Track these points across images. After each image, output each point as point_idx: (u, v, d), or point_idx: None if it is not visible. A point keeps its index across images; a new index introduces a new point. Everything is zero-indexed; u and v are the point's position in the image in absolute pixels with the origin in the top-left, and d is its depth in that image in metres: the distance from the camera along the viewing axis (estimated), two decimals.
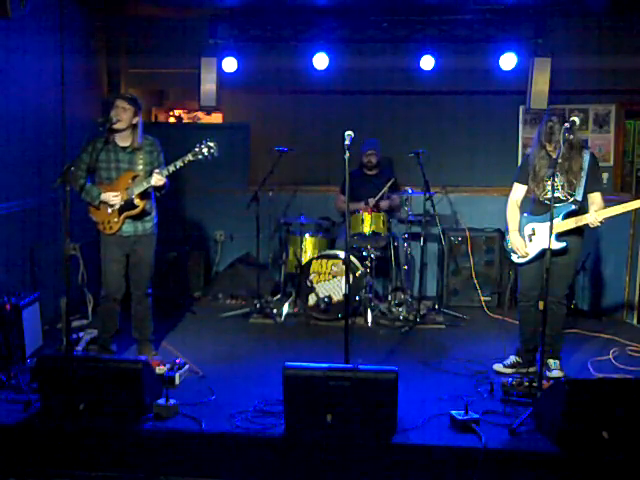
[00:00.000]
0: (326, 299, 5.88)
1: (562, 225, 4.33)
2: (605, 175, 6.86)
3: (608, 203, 4.37)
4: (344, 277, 4.44)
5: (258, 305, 6.14)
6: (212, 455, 3.55)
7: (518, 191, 4.59)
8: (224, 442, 3.55)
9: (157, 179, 4.39)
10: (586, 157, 4.36)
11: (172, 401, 3.77)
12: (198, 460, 3.55)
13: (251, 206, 6.13)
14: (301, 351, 5.15)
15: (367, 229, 6.01)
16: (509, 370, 4.61)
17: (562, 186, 4.36)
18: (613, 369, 4.71)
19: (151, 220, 4.66)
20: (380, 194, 6.14)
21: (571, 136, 4.05)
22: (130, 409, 3.68)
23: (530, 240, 4.50)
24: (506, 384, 4.05)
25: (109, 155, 4.51)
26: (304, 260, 6.13)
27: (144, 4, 6.75)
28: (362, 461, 3.47)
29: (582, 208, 4.38)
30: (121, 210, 4.50)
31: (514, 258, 4.60)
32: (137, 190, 4.45)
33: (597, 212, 4.27)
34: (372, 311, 5.92)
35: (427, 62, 6.64)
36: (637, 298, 6.04)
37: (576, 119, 3.97)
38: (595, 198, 4.38)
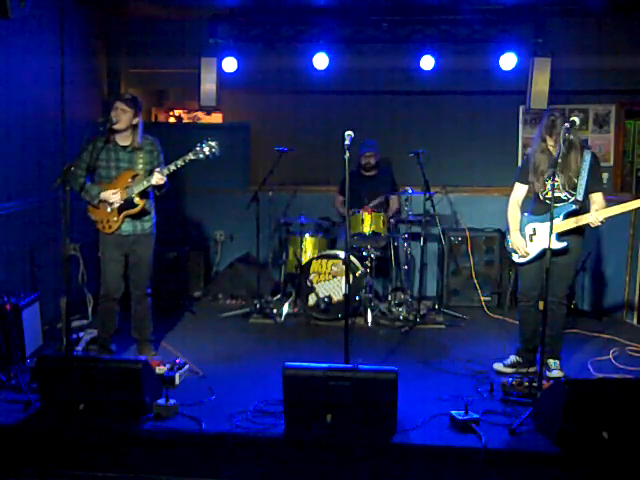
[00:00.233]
0: (326, 299, 5.88)
1: (563, 225, 4.33)
2: (605, 175, 6.85)
3: (608, 203, 4.37)
4: (344, 277, 4.44)
5: (258, 305, 6.14)
6: (212, 455, 3.55)
7: (519, 191, 4.60)
8: (224, 442, 3.55)
9: (158, 178, 4.39)
10: (587, 157, 4.36)
11: (172, 401, 3.77)
12: (198, 460, 3.55)
13: (251, 206, 6.13)
14: (301, 351, 5.15)
15: (367, 229, 6.01)
16: (509, 369, 4.61)
17: (563, 185, 4.36)
18: (613, 369, 4.71)
19: (150, 220, 4.66)
20: (374, 203, 6.17)
21: (571, 136, 4.05)
22: (130, 409, 3.69)
23: (531, 240, 4.50)
24: (506, 384, 4.06)
25: (109, 154, 4.51)
26: (304, 260, 6.13)
27: (144, 4, 6.75)
28: (362, 461, 3.46)
29: (583, 208, 4.38)
30: (121, 209, 4.50)
31: (515, 258, 4.60)
32: (137, 189, 4.45)
33: (597, 212, 4.27)
34: (372, 311, 5.92)
35: (427, 62, 6.64)
36: (637, 298, 6.03)
37: (576, 119, 3.98)
38: (597, 198, 4.38)
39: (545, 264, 3.91)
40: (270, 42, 6.91)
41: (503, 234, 6.07)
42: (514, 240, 4.55)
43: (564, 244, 4.34)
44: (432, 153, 6.23)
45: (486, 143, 7.13)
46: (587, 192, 4.36)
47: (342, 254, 5.89)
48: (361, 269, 5.93)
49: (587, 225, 4.36)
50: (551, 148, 4.34)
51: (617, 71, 6.67)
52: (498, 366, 4.67)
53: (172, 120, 8.98)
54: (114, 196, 4.47)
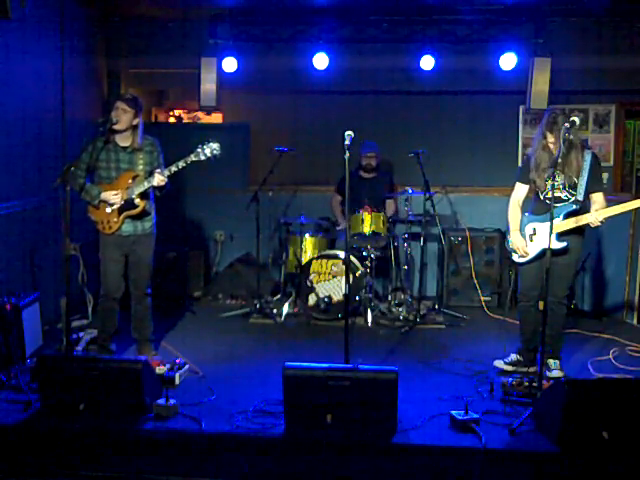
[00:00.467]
0: (326, 299, 5.88)
1: (563, 225, 4.33)
2: (605, 175, 6.83)
3: (608, 203, 4.36)
4: (344, 277, 4.44)
5: (258, 305, 6.14)
6: (212, 455, 3.55)
7: (520, 191, 4.60)
8: (224, 442, 3.55)
9: (159, 179, 4.38)
10: (588, 157, 4.35)
11: (172, 401, 3.77)
12: (198, 460, 3.55)
13: (251, 206, 6.13)
14: (301, 351, 5.15)
15: (367, 229, 6.01)
16: (510, 367, 4.62)
17: (563, 185, 4.36)
18: (613, 369, 4.71)
19: (150, 220, 4.66)
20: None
21: (571, 136, 4.05)
22: (130, 409, 3.69)
23: (531, 240, 4.50)
24: (506, 384, 4.05)
25: (109, 155, 4.50)
26: (304, 260, 6.13)
27: (144, 4, 6.75)
28: (362, 461, 3.47)
29: (583, 208, 4.38)
30: (121, 210, 4.50)
31: (515, 258, 4.60)
32: (137, 190, 4.45)
33: (597, 212, 4.27)
34: (372, 311, 5.92)
35: (427, 62, 6.64)
36: (637, 298, 6.03)
37: (576, 119, 3.98)
38: (597, 198, 4.38)
39: (545, 264, 3.91)
40: (270, 42, 6.90)
41: (503, 234, 6.09)
42: (514, 240, 4.55)
43: (564, 244, 4.34)
44: (432, 153, 6.22)
45: (486, 143, 7.13)
46: (587, 192, 4.36)
47: (342, 254, 5.89)
48: (361, 269, 5.93)
49: (587, 225, 4.36)
50: (551, 145, 4.33)
51: (617, 71, 6.68)
52: (499, 363, 4.68)
53: (172, 120, 8.99)
54: (115, 197, 4.47)
